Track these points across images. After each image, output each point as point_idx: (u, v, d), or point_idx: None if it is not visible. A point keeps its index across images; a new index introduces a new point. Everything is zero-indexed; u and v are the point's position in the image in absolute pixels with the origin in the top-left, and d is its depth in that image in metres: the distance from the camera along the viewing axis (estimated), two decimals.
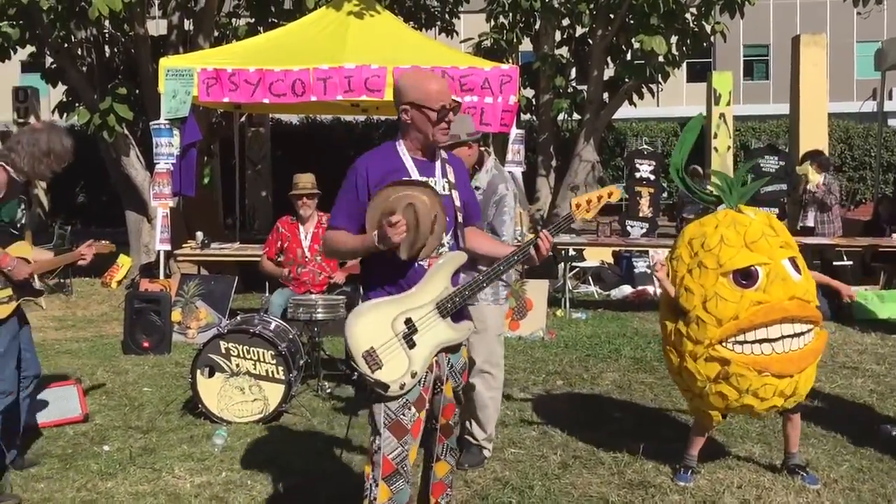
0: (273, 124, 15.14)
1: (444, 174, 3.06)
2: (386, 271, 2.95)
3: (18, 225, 4.21)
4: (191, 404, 5.33)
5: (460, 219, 3.06)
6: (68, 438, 4.88)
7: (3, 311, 4.01)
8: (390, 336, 2.87)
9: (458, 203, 3.04)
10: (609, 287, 10.52)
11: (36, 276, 4.20)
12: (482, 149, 4.58)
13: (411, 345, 2.89)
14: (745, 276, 3.92)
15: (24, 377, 4.30)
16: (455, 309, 2.95)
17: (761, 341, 3.90)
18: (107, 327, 8.36)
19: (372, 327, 2.87)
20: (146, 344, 7.13)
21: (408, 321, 2.89)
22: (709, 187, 4.44)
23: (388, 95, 8.17)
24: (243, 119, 12.12)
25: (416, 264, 2.93)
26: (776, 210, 10.55)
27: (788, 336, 3.92)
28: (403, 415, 2.91)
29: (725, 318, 3.89)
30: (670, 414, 5.38)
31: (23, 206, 4.26)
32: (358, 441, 4.79)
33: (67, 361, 6.85)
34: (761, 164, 11.00)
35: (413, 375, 2.89)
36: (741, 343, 3.90)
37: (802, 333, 3.96)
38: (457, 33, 14.07)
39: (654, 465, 4.37)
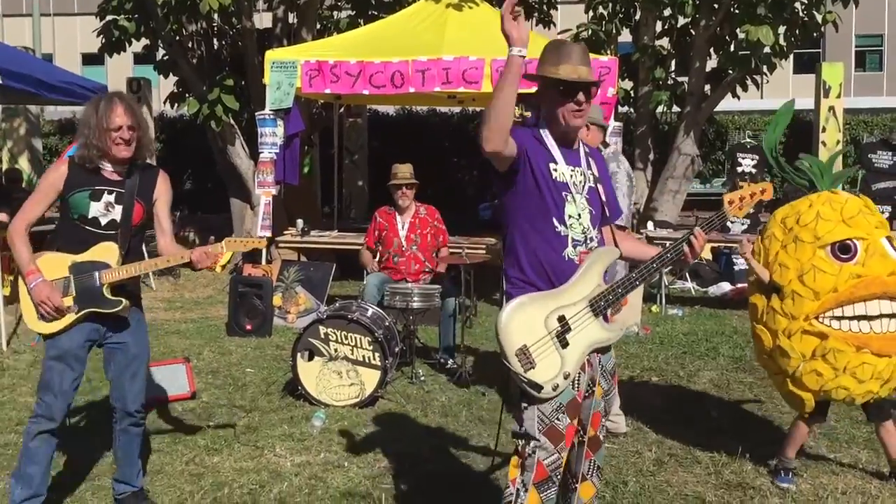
0: (370, 115, 15.40)
1: (589, 166, 2.91)
2: (535, 263, 2.78)
3: (103, 221, 3.48)
4: (291, 386, 5.52)
5: (607, 213, 2.93)
6: (177, 414, 5.13)
7: (51, 326, 3.45)
8: (543, 334, 2.69)
9: (603, 197, 2.91)
10: (707, 284, 10.26)
11: (105, 289, 3.47)
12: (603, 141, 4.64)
13: (564, 344, 2.71)
14: (844, 250, 3.86)
15: (114, 408, 3.68)
16: (608, 307, 2.79)
17: (860, 318, 3.84)
18: (212, 310, 8.71)
19: (525, 324, 2.69)
20: (249, 326, 7.40)
21: (561, 318, 2.71)
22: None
23: (486, 87, 8.19)
24: (342, 110, 12.38)
25: (567, 258, 2.77)
26: (889, 208, 10.08)
27: (887, 315, 3.84)
28: (558, 420, 2.73)
29: (823, 290, 3.83)
30: (771, 415, 5.23)
31: (107, 199, 3.49)
32: (451, 428, 4.87)
33: (176, 341, 7.18)
34: (873, 160, 10.52)
35: (566, 377, 2.71)
36: (839, 319, 3.84)
37: None
38: (554, 24, 13.97)
39: (754, 466, 4.28)
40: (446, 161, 17.38)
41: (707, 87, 11.68)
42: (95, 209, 3.47)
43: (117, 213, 3.50)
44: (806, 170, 4.21)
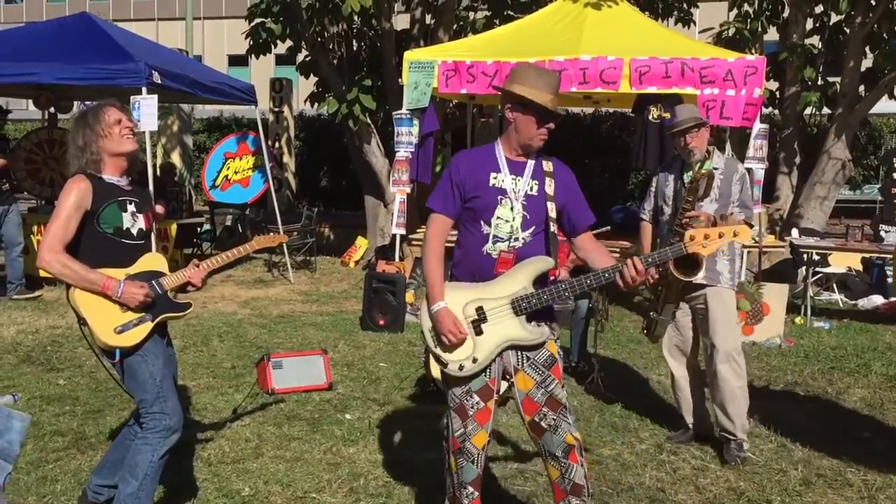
0: (501, 115, 15.43)
1: (536, 177, 3.12)
2: (462, 257, 3.16)
3: (134, 231, 3.36)
4: (423, 382, 5.58)
5: (552, 228, 3.09)
6: (315, 404, 5.29)
7: (133, 337, 3.27)
8: (460, 318, 3.06)
9: (551, 213, 3.09)
10: (856, 296, 9.66)
11: (170, 292, 3.40)
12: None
13: (478, 332, 3.06)
14: None
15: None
16: (530, 310, 3.02)
17: None
18: (346, 304, 8.94)
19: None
20: (382, 322, 7.55)
21: (479, 309, 3.07)
22: None
23: (624, 87, 8.04)
24: (475, 110, 12.44)
25: (485, 253, 3.08)
26: None
27: None
28: (466, 400, 3.11)
29: None
30: None
31: (131, 209, 3.36)
32: (582, 433, 4.79)
33: (313, 333, 7.42)
34: None
35: (474, 361, 3.05)
36: None
37: None
38: (694, 23, 13.54)
39: None
40: (578, 163, 17.14)
41: (861, 88, 11.00)
42: (126, 220, 3.34)
43: (141, 222, 3.40)
44: None
